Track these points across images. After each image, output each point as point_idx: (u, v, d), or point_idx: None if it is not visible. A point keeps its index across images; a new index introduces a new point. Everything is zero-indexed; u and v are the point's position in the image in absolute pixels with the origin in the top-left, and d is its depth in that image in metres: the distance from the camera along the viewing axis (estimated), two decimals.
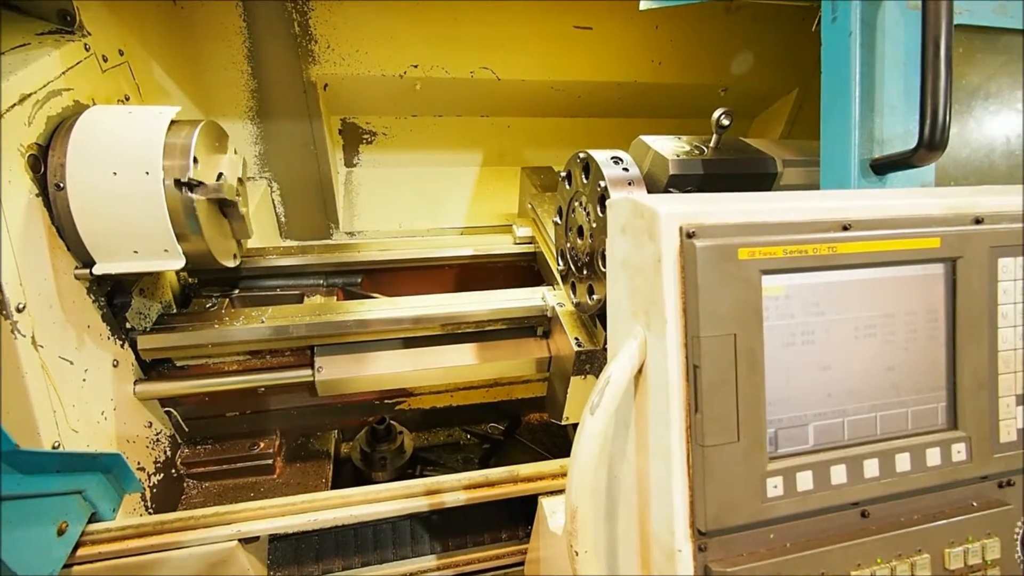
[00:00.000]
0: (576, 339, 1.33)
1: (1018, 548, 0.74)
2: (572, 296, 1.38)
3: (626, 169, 1.15)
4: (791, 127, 2.56)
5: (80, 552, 1.03)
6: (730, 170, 1.12)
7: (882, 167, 0.96)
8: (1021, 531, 0.75)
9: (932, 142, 0.87)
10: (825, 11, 1.04)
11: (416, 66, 1.97)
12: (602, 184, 1.14)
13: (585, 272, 1.29)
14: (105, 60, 1.35)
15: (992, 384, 0.71)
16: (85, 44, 1.28)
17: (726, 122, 1.05)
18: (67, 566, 1.00)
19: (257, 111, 1.91)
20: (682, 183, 1.11)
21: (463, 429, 2.13)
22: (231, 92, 1.85)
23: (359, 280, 1.79)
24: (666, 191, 1.13)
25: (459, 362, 1.50)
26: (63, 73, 1.19)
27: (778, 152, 1.17)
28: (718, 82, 2.36)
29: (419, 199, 2.25)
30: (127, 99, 1.43)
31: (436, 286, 1.84)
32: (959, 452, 0.70)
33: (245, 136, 1.94)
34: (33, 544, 0.90)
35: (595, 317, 1.35)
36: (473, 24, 1.94)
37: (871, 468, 0.66)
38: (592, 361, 1.32)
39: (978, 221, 0.72)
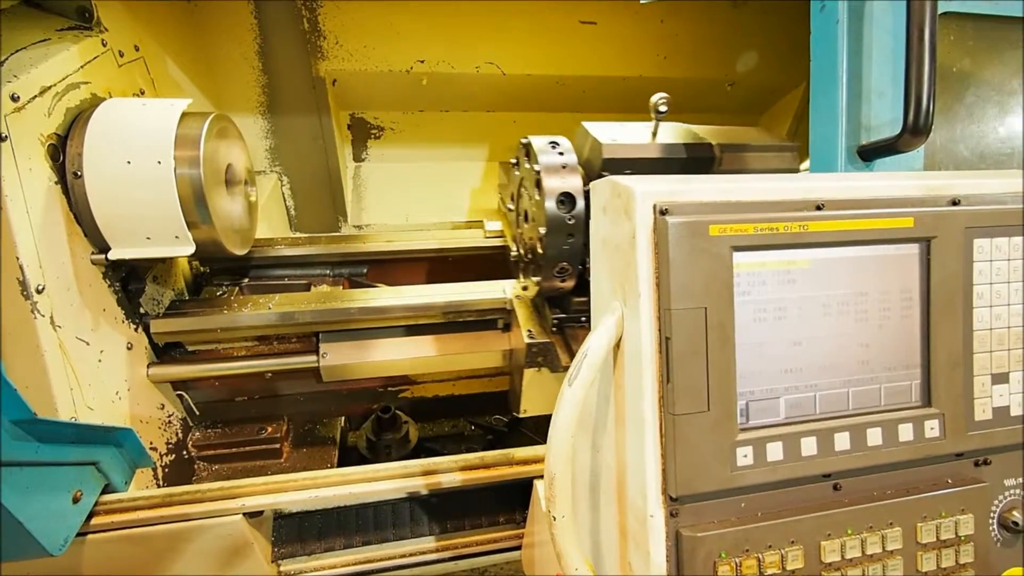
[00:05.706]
0: (528, 331, 1.32)
1: (993, 525, 0.75)
2: (521, 281, 1.38)
3: (561, 154, 1.16)
4: (799, 122, 2.55)
5: (94, 521, 1.08)
6: (665, 155, 1.11)
7: (869, 153, 0.97)
8: (998, 509, 0.76)
9: (916, 127, 0.88)
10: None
11: (423, 61, 2.00)
12: (537, 169, 1.15)
13: (531, 256, 1.27)
14: (121, 55, 1.41)
15: (967, 363, 0.72)
16: (102, 40, 1.34)
17: (663, 108, 1.05)
18: (81, 534, 1.06)
19: (268, 106, 1.97)
20: (616, 168, 1.10)
21: (467, 420, 2.16)
22: (242, 87, 1.91)
23: (365, 270, 1.84)
24: (600, 176, 1.13)
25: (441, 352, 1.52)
26: (81, 67, 1.25)
27: (717, 138, 1.16)
28: (724, 76, 2.36)
29: (426, 193, 2.29)
30: (142, 93, 1.49)
31: (441, 277, 1.88)
32: (932, 429, 0.71)
33: (256, 131, 1.99)
34: (50, 510, 0.95)
35: (549, 303, 1.34)
36: (478, 19, 1.98)
37: (842, 441, 0.68)
38: (545, 353, 1.30)
39: (955, 203, 0.73)
